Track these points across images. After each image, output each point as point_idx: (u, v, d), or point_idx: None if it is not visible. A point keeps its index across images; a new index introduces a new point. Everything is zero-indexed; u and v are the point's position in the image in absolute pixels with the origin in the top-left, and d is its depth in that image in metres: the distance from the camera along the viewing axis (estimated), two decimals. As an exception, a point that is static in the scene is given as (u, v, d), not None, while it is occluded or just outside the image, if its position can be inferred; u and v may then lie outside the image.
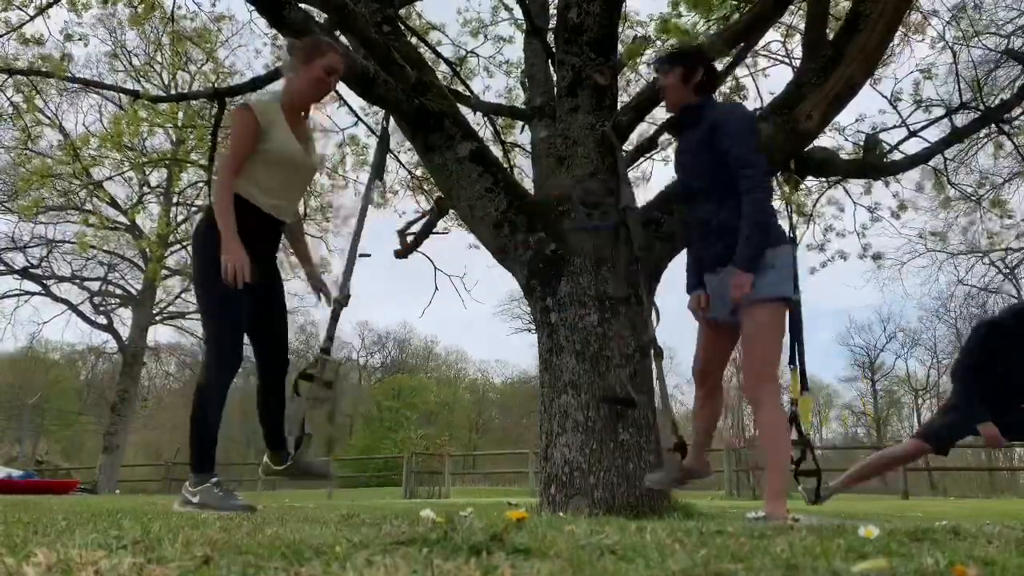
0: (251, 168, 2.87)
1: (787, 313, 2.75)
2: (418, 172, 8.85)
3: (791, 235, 4.92)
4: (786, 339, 3.51)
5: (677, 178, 3.07)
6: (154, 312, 21.09)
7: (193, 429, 2.76)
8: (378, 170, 4.15)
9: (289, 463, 3.03)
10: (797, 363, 3.95)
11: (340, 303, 3.47)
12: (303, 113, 3.09)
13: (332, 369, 3.24)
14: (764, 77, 8.91)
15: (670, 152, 8.68)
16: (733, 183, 2.70)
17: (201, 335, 2.97)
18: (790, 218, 5.34)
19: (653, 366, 4.00)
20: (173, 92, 13.00)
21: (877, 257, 8.34)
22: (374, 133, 8.54)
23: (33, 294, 20.96)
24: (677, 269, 4.97)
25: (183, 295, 21.43)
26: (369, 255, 3.82)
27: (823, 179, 7.31)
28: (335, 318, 3.46)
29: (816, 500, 4.03)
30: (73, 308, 21.01)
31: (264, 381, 3.04)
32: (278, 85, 3.15)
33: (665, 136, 5.86)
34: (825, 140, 6.94)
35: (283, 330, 3.08)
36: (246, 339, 2.97)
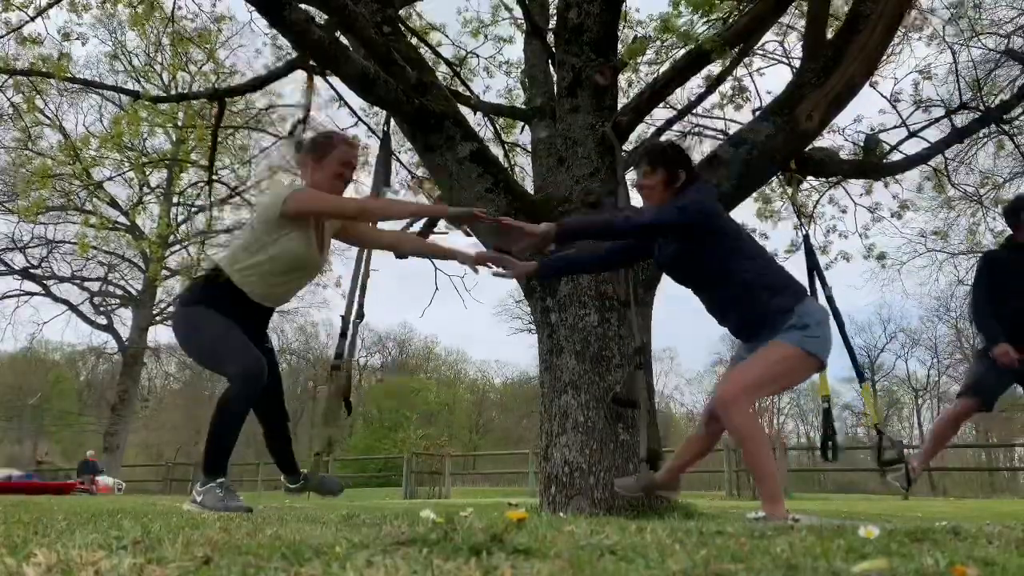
0: (258, 262, 2.86)
1: (811, 372, 2.64)
2: (419, 172, 8.84)
3: (803, 233, 4.92)
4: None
5: (669, 270, 2.95)
6: (154, 312, 21.09)
7: (212, 438, 2.79)
8: (384, 176, 4.19)
9: (303, 483, 3.19)
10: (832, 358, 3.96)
11: (357, 320, 3.85)
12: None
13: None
14: (761, 75, 8.89)
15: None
16: (721, 260, 2.67)
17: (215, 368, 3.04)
18: (798, 216, 5.34)
19: (641, 374, 4.01)
20: (173, 92, 12.97)
21: (882, 257, 8.34)
22: (374, 133, 8.54)
23: (33, 294, 20.98)
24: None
25: (183, 296, 21.39)
26: (376, 269, 4.06)
27: (823, 179, 7.31)
28: (352, 334, 3.86)
29: (909, 485, 4.02)
30: (73, 308, 21.03)
31: (269, 432, 3.14)
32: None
33: (665, 136, 5.86)
34: (825, 140, 6.94)
35: (278, 391, 3.11)
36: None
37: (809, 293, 2.77)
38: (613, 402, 3.95)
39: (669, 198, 2.79)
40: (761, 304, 2.62)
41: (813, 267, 4.55)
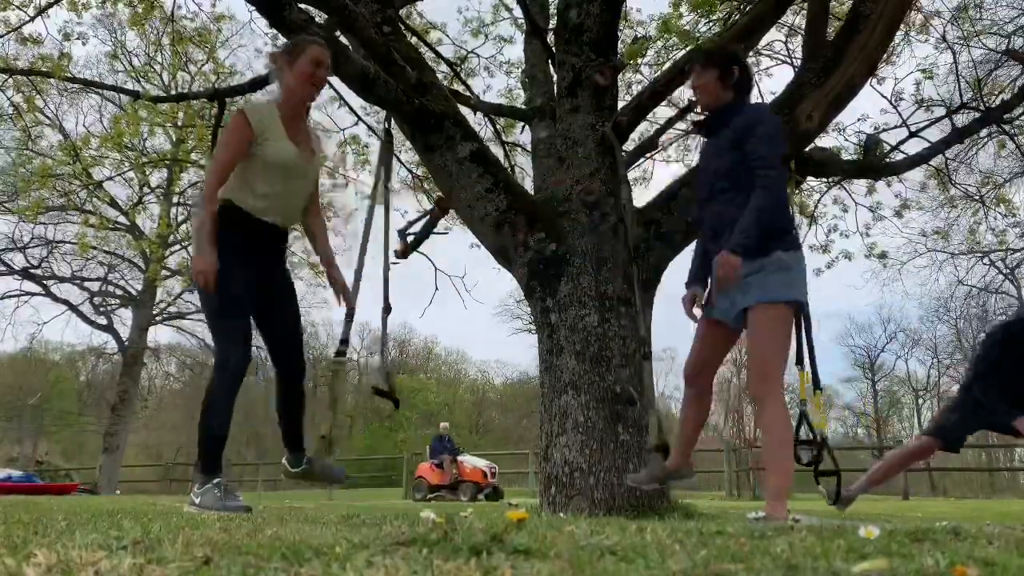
0: (247, 174, 2.84)
1: (795, 316, 2.72)
2: (419, 171, 8.85)
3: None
4: (794, 340, 3.49)
5: (699, 177, 2.98)
6: (154, 312, 21.08)
7: (202, 434, 2.78)
8: (386, 173, 4.18)
9: (306, 466, 3.06)
10: (807, 363, 3.91)
11: (384, 313, 3.83)
12: (302, 115, 3.08)
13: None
14: (768, 77, 8.90)
15: (671, 152, 8.68)
16: (750, 183, 2.67)
17: (207, 338, 2.98)
18: (793, 218, 5.32)
19: (643, 366, 4.01)
20: (173, 92, 12.98)
21: (883, 256, 8.36)
22: (375, 133, 8.54)
23: (33, 294, 20.94)
24: (676, 271, 4.98)
25: (183, 296, 21.42)
26: (397, 263, 4.04)
27: (824, 180, 7.32)
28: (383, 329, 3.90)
29: (836, 501, 4.00)
30: (73, 308, 20.99)
31: (282, 385, 3.03)
32: (277, 86, 3.12)
33: (666, 136, 5.84)
34: (826, 140, 6.94)
35: (295, 335, 3.04)
36: (259, 342, 2.98)
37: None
38: (615, 401, 3.96)
39: (724, 96, 2.84)
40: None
41: None
